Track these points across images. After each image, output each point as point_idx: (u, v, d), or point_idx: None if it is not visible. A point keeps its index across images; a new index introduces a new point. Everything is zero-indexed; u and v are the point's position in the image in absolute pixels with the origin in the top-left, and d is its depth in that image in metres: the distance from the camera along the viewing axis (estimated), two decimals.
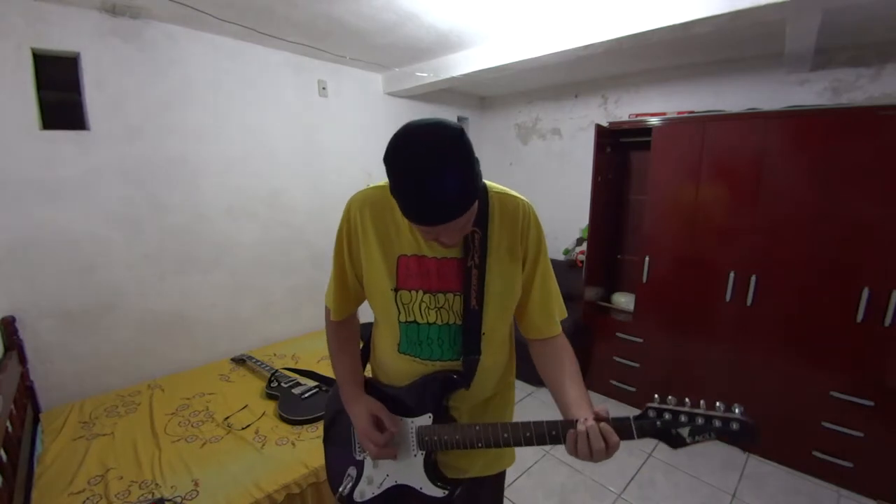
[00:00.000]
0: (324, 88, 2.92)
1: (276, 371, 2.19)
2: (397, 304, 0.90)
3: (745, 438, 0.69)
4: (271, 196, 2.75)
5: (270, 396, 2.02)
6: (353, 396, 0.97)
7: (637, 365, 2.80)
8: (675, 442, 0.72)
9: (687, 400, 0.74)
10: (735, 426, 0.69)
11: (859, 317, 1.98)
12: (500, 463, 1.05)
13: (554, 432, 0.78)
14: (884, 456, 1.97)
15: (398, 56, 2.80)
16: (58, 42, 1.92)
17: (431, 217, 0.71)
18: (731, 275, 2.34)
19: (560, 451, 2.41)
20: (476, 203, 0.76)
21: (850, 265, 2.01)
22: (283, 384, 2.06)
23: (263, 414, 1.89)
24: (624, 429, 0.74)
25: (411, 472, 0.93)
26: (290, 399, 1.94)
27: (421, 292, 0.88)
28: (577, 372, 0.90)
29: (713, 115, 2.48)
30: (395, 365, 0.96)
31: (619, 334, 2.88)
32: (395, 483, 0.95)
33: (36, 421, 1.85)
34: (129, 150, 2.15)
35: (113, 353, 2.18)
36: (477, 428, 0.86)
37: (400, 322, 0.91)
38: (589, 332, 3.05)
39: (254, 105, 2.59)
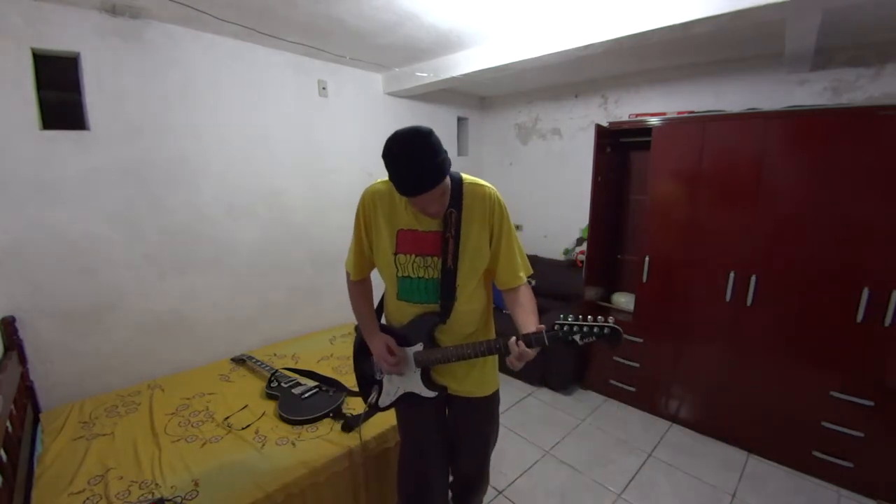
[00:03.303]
0: (324, 88, 2.92)
1: (276, 371, 2.19)
2: (396, 265, 1.26)
3: (612, 338, 1.04)
4: (271, 196, 2.75)
5: (270, 396, 2.02)
6: (371, 332, 1.36)
7: (637, 365, 2.80)
8: (572, 345, 1.06)
9: (580, 317, 1.07)
10: (606, 331, 1.05)
11: (859, 317, 1.98)
12: (482, 388, 1.39)
13: (497, 346, 1.18)
14: (884, 456, 1.97)
15: (398, 56, 2.80)
16: (58, 42, 1.92)
17: (412, 189, 1.04)
18: (731, 275, 2.34)
19: (560, 451, 2.41)
20: (446, 180, 1.09)
21: (850, 265, 2.01)
22: (283, 384, 2.06)
23: (263, 414, 1.89)
24: (539, 339, 1.07)
25: (413, 383, 1.34)
26: (290, 399, 1.94)
27: (413, 255, 1.24)
28: (529, 306, 1.22)
29: (713, 115, 2.48)
30: (396, 308, 1.35)
31: None
32: (403, 392, 1.37)
33: (36, 421, 1.85)
34: (129, 150, 2.15)
35: (113, 353, 2.19)
36: (450, 348, 1.26)
37: (398, 277, 1.28)
38: None
39: (254, 105, 2.59)
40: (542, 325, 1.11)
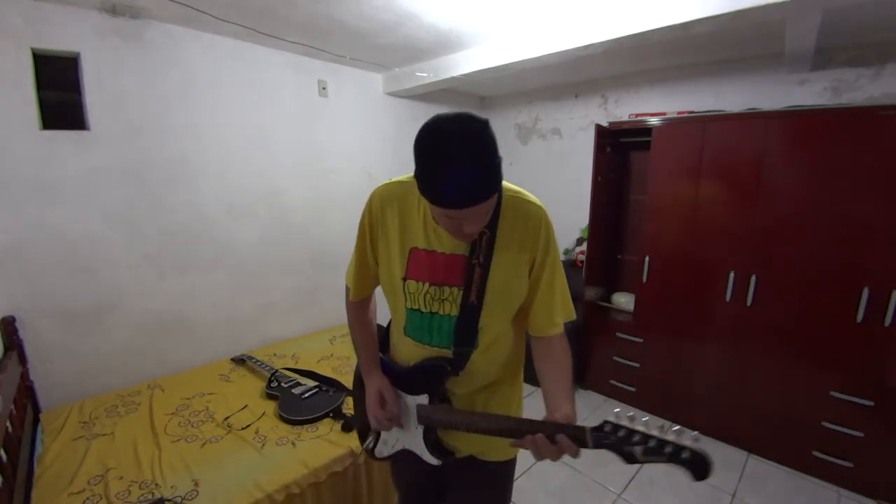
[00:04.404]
0: (324, 88, 2.92)
1: (276, 371, 2.19)
2: (404, 293, 0.96)
3: (695, 468, 0.67)
4: (271, 196, 2.75)
5: (270, 396, 2.02)
6: (368, 370, 1.09)
7: (637, 365, 2.80)
8: (629, 458, 0.72)
9: (645, 419, 0.73)
10: (686, 455, 0.68)
11: (859, 317, 1.98)
12: (501, 450, 1.07)
13: (523, 429, 0.82)
14: (884, 456, 1.97)
15: (398, 56, 2.80)
16: (58, 42, 1.92)
17: (458, 198, 0.72)
18: (731, 275, 2.34)
19: None
20: (498, 193, 0.78)
21: (850, 265, 2.01)
22: (283, 384, 2.05)
23: (263, 414, 1.89)
24: (580, 438, 0.76)
25: (413, 440, 1.06)
26: (290, 399, 1.94)
27: (427, 284, 0.94)
28: (565, 373, 0.94)
29: (713, 115, 2.48)
30: (402, 344, 1.04)
31: (619, 334, 2.88)
32: (402, 447, 1.09)
33: (36, 421, 1.85)
34: (129, 150, 2.15)
35: (113, 353, 2.18)
36: (458, 413, 0.98)
37: (406, 308, 0.98)
38: (589, 332, 3.05)
39: (254, 105, 2.59)
40: (569, 413, 0.82)
